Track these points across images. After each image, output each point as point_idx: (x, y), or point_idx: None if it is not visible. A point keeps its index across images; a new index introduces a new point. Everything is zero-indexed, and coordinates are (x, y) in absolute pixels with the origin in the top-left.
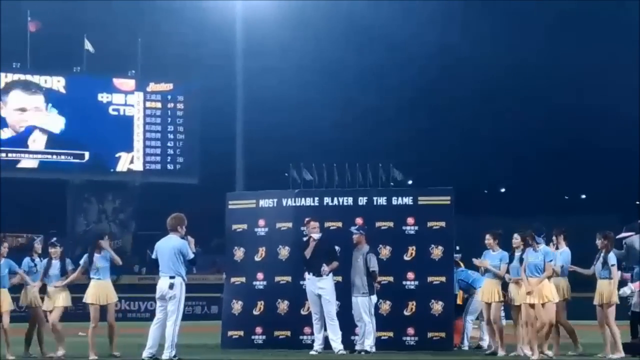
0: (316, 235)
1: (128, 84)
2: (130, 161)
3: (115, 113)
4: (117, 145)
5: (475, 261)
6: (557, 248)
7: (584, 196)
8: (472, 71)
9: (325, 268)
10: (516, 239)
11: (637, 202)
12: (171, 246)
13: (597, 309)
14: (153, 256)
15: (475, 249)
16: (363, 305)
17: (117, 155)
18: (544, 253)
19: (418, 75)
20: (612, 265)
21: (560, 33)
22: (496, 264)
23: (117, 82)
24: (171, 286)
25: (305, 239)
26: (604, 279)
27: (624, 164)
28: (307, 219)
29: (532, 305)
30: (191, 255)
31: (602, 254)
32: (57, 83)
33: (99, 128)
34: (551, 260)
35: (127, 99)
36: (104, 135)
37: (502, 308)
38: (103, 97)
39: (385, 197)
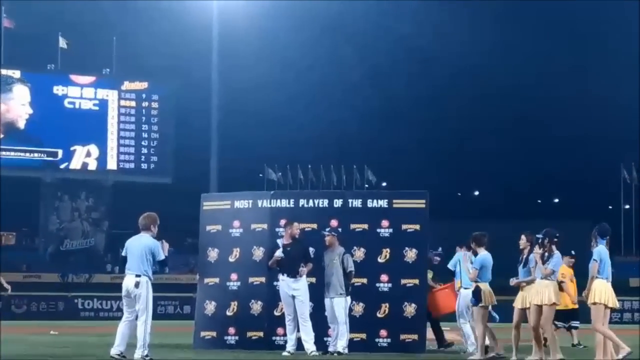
0: (278, 253)
1: (85, 78)
2: (86, 154)
3: (71, 106)
4: (72, 138)
5: (464, 256)
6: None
7: (556, 200)
8: (445, 75)
9: (303, 269)
10: (522, 240)
11: (610, 207)
12: (143, 245)
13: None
14: (123, 254)
15: (448, 252)
16: (339, 306)
17: (71, 148)
18: (593, 253)
19: (393, 80)
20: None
21: (539, 34)
22: (471, 266)
23: (74, 76)
24: (137, 285)
25: (279, 248)
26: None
27: (596, 169)
28: (285, 220)
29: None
30: (162, 256)
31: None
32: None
33: (53, 121)
34: (596, 260)
35: (83, 92)
36: (58, 128)
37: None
38: (58, 90)
39: (360, 200)
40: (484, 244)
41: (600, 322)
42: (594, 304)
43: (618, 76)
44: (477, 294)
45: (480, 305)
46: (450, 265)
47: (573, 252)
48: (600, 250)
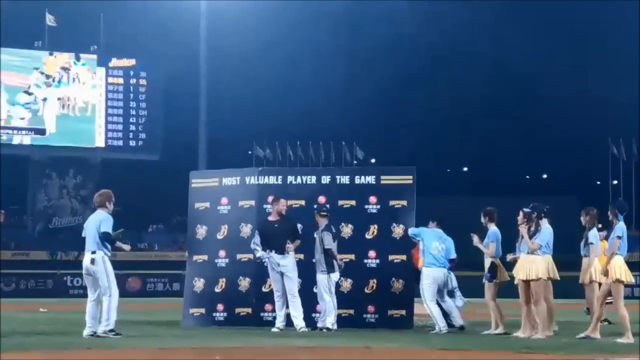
0: (259, 257)
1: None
2: None
3: None
4: None
5: (474, 239)
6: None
7: (545, 176)
8: (434, 52)
9: (289, 245)
10: (520, 216)
11: (598, 183)
12: (95, 221)
13: (585, 288)
14: (83, 234)
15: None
16: (322, 283)
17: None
18: (615, 229)
19: (381, 56)
20: (590, 243)
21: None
22: (486, 242)
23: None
24: (92, 261)
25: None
26: (585, 256)
27: (584, 145)
28: (272, 197)
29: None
30: (106, 229)
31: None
32: None
33: None
34: (620, 237)
35: None
36: None
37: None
38: None
39: (348, 176)
40: (495, 219)
41: (622, 300)
42: (617, 281)
43: (610, 62)
44: (493, 270)
45: (495, 281)
46: (411, 232)
47: None
48: (623, 227)
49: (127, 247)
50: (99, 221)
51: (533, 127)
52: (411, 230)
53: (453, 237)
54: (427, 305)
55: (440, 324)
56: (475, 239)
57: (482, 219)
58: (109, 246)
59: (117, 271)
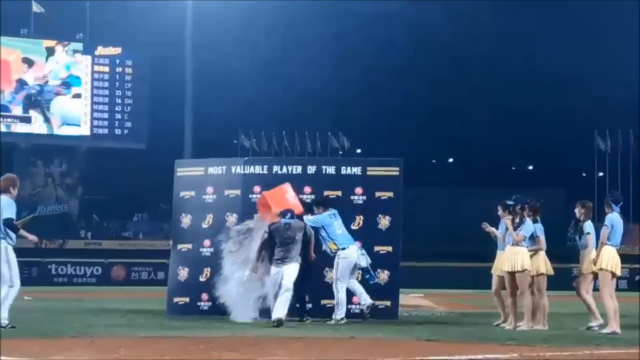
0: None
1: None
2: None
3: None
4: None
5: (487, 228)
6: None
7: (530, 167)
8: (420, 40)
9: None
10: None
11: (584, 175)
12: None
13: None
14: None
15: (423, 218)
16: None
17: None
18: (605, 219)
19: (367, 45)
20: (587, 233)
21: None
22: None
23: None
24: None
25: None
26: (582, 248)
27: (570, 136)
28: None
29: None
30: (8, 215)
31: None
32: None
33: None
34: (607, 226)
35: None
36: None
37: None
38: None
39: (334, 167)
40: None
41: (607, 289)
42: (600, 270)
43: (599, 54)
44: None
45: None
46: (310, 224)
47: None
48: (613, 217)
49: (32, 237)
50: (0, 207)
51: (519, 118)
52: (310, 223)
53: (442, 228)
54: (336, 286)
55: (343, 312)
56: (489, 227)
57: (501, 212)
58: (13, 235)
59: (102, 259)
